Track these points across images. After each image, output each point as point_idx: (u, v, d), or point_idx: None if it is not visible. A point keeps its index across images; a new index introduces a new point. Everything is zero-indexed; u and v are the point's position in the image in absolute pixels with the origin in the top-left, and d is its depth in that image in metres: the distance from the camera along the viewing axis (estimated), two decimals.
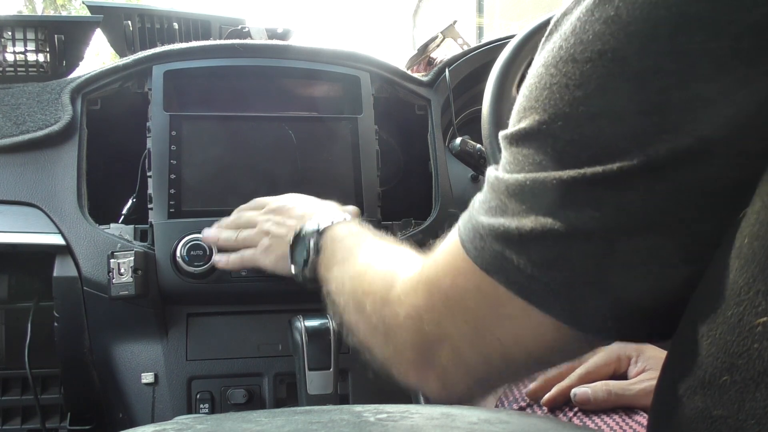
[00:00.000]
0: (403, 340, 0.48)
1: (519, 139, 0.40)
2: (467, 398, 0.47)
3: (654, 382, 0.66)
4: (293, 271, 0.78)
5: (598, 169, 0.35)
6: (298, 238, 0.76)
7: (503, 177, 0.41)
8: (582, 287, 0.37)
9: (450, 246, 0.46)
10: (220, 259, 0.95)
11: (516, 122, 0.41)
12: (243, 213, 0.94)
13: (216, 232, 0.96)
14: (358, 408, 0.31)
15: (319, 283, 0.70)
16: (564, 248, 0.37)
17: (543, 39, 0.41)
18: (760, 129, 0.31)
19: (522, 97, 0.41)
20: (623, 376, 0.70)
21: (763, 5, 0.30)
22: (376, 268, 0.57)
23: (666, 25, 0.32)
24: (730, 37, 0.31)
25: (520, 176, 0.39)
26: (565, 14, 0.38)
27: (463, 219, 0.45)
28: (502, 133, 0.42)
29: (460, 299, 0.44)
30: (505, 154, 0.41)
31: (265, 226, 0.87)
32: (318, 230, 0.73)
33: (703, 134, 0.32)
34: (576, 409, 0.67)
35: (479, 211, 0.43)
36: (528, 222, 0.38)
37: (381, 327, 0.52)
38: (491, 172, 0.43)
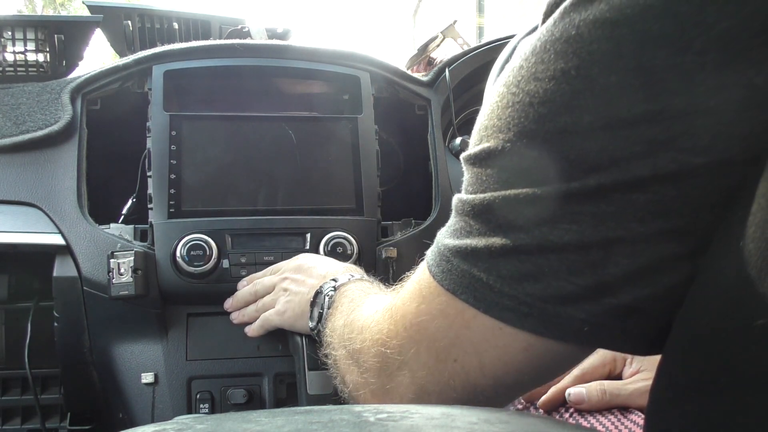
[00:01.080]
0: (368, 365, 0.49)
1: (483, 158, 0.39)
2: None
3: (649, 383, 0.66)
4: (310, 326, 0.79)
5: (574, 184, 0.34)
6: (318, 295, 0.77)
7: (467, 198, 0.41)
8: (557, 297, 0.37)
9: (417, 274, 0.46)
10: (246, 331, 0.99)
11: (477, 142, 0.40)
12: (259, 281, 0.96)
13: (239, 310, 0.99)
14: (358, 408, 0.31)
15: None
16: (538, 262, 0.37)
17: (500, 65, 0.42)
18: (742, 137, 0.31)
19: (483, 117, 0.40)
20: (618, 377, 0.70)
21: (725, 20, 0.30)
22: (364, 311, 0.58)
23: (629, 43, 0.32)
24: (695, 52, 0.31)
25: (487, 195, 0.39)
26: (523, 38, 0.39)
27: (431, 248, 0.45)
28: (464, 155, 0.42)
29: (422, 325, 0.44)
30: (468, 176, 0.41)
31: (283, 284, 0.89)
32: (335, 286, 0.74)
33: (679, 146, 0.32)
34: (572, 409, 0.67)
35: (444, 236, 0.43)
36: (497, 240, 0.38)
37: (353, 354, 0.53)
38: (455, 197, 0.43)
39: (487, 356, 0.41)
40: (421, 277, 0.45)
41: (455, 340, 0.42)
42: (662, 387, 0.36)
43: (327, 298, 0.73)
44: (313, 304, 0.78)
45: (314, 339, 0.91)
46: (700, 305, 0.32)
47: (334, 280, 0.75)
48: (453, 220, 0.42)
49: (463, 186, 0.42)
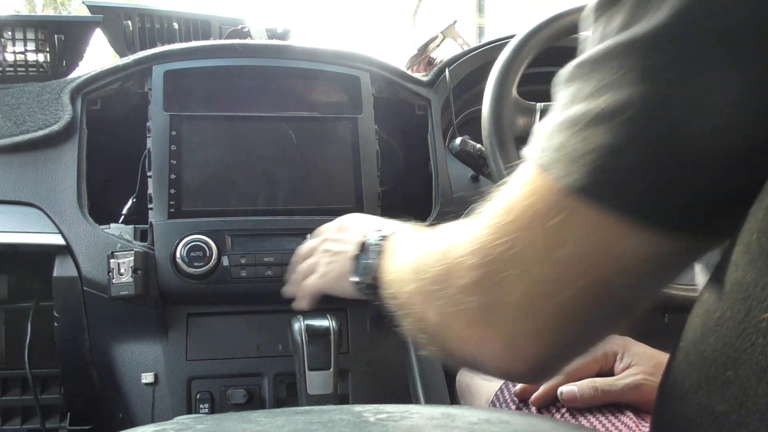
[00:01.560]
0: (462, 283, 0.42)
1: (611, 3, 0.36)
2: (537, 369, 0.41)
3: (639, 377, 0.67)
4: (355, 280, 0.70)
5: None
6: (362, 249, 0.70)
7: (595, 50, 0.36)
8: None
9: (519, 177, 0.41)
10: (293, 306, 0.87)
11: None
12: (300, 247, 0.88)
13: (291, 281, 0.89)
14: (358, 408, 0.31)
15: (381, 291, 0.64)
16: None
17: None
18: None
19: None
20: (610, 373, 0.70)
21: None
22: (439, 240, 0.49)
23: None
24: None
25: (633, 30, 0.34)
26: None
27: (532, 144, 0.40)
28: (593, 5, 0.38)
29: (530, 212, 0.38)
30: (593, 31, 0.38)
31: (324, 246, 0.81)
32: (382, 236, 0.66)
33: None
34: (563, 408, 0.67)
35: (553, 118, 0.38)
36: (605, 99, 0.34)
37: (436, 280, 0.45)
38: (565, 70, 0.39)
39: (606, 245, 0.36)
40: (525, 178, 0.40)
41: (567, 227, 0.37)
42: (671, 382, 0.36)
43: (374, 247, 0.65)
44: (356, 258, 0.70)
45: (314, 339, 0.92)
46: (712, 299, 0.32)
47: (378, 230, 0.68)
48: (564, 94, 0.38)
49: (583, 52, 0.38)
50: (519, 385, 0.70)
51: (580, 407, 0.66)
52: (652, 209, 0.34)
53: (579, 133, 0.35)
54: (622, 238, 0.35)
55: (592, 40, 0.37)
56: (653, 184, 0.34)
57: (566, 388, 0.66)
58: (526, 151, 0.40)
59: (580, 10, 0.99)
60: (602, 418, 0.64)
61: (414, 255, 0.53)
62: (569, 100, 0.37)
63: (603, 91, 0.35)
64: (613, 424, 0.63)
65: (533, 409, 0.68)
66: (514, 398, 0.71)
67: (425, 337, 0.48)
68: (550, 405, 0.68)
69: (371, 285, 0.65)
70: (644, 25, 0.33)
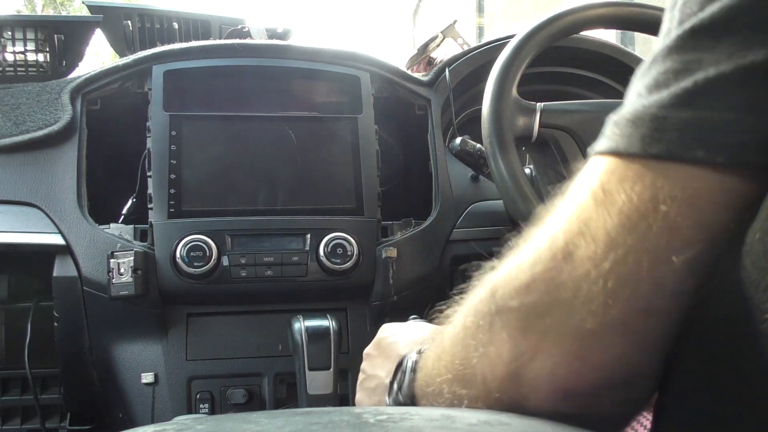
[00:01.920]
0: (503, 335, 0.36)
1: None
2: (616, 378, 0.34)
3: None
4: (387, 402, 0.59)
5: None
6: (397, 371, 0.58)
7: (687, 26, 0.32)
8: None
9: (579, 187, 0.35)
10: None
11: None
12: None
13: None
14: (358, 409, 0.31)
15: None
16: None
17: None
18: None
19: None
20: None
21: None
22: (473, 303, 0.42)
23: None
24: None
25: (725, 3, 0.31)
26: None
27: (605, 133, 0.35)
28: None
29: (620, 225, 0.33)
30: (680, 3, 0.33)
31: (362, 366, 0.71)
32: (419, 351, 0.54)
33: None
34: None
35: (636, 101, 0.33)
36: (753, 57, 0.30)
37: (483, 321, 0.38)
38: (656, 48, 0.34)
39: (723, 214, 0.32)
40: (582, 184, 0.35)
41: (671, 212, 0.32)
42: (673, 382, 0.36)
43: (410, 362, 0.54)
44: (391, 383, 0.58)
45: (314, 339, 0.92)
46: (715, 299, 0.32)
47: (420, 346, 0.56)
48: (637, 87, 0.34)
49: (662, 32, 0.34)
50: None
51: None
52: None
53: (725, 102, 0.30)
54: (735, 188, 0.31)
55: (696, 7, 0.32)
56: None
57: None
58: (597, 147, 0.35)
59: (580, 10, 0.99)
60: None
61: (458, 315, 0.44)
62: (677, 71, 0.32)
63: (749, 49, 0.30)
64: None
65: None
66: None
67: (465, 386, 0.40)
68: None
69: (400, 404, 0.54)
70: None
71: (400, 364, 0.57)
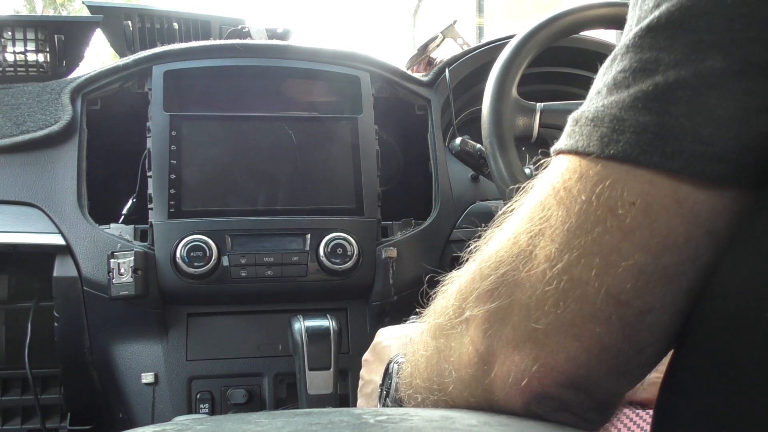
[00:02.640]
0: (475, 297, 0.36)
1: None
2: (578, 379, 0.34)
3: (652, 375, 0.66)
4: (379, 406, 0.59)
5: None
6: (385, 375, 0.59)
7: (644, 24, 0.32)
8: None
9: (537, 187, 0.36)
10: None
11: None
12: None
13: None
14: (358, 410, 0.31)
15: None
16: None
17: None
18: None
19: None
20: None
21: None
22: (441, 301, 0.43)
23: None
24: None
25: (683, 2, 0.30)
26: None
27: (566, 131, 0.35)
28: None
29: (572, 226, 0.33)
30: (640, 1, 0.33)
31: (360, 372, 0.72)
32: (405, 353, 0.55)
33: None
34: None
35: (594, 101, 0.33)
36: (710, 62, 0.29)
37: (448, 321, 0.39)
38: (618, 45, 0.33)
39: (681, 222, 0.31)
40: (544, 181, 0.35)
41: (627, 215, 0.32)
42: (674, 381, 0.36)
43: (395, 366, 0.55)
44: (381, 386, 0.60)
45: (314, 339, 0.92)
46: (716, 298, 0.32)
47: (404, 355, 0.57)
48: (598, 85, 0.34)
49: (625, 28, 0.34)
50: None
51: None
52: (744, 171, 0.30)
53: (682, 108, 0.30)
54: (719, 210, 0.31)
55: (653, 4, 0.32)
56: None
57: None
58: (557, 146, 0.35)
59: (580, 10, 0.99)
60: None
61: (426, 325, 0.45)
62: (636, 71, 0.32)
63: (705, 53, 0.30)
64: (620, 421, 0.63)
65: None
66: None
67: (444, 405, 0.40)
68: None
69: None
70: None
71: (387, 368, 0.58)
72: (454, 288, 0.40)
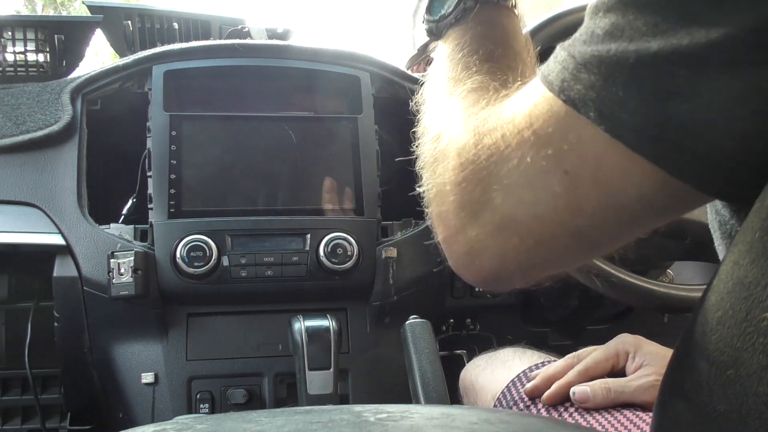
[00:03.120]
0: (450, 167, 0.45)
1: None
2: (489, 281, 0.42)
3: (652, 378, 0.66)
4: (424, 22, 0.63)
5: None
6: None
7: None
8: (704, 125, 0.32)
9: (524, 94, 0.41)
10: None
11: None
12: None
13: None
14: (358, 408, 0.31)
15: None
16: (692, 77, 0.31)
17: None
18: None
19: None
20: (622, 372, 0.70)
21: None
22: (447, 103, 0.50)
23: None
24: None
25: None
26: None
27: (549, 61, 0.39)
28: None
29: (531, 132, 0.38)
30: None
31: None
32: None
33: None
34: (572, 408, 0.67)
35: (573, 44, 0.37)
36: (653, 44, 0.32)
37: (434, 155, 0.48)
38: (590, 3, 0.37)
39: (603, 176, 0.36)
40: (530, 94, 0.40)
41: (568, 152, 0.36)
42: (673, 381, 0.36)
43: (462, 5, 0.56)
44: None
45: (314, 339, 0.92)
46: (715, 298, 0.32)
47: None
48: (585, 27, 0.37)
49: None
50: (529, 384, 0.70)
51: (592, 408, 0.66)
52: (695, 168, 0.33)
53: (621, 78, 0.34)
54: (632, 177, 0.35)
55: None
56: (713, 146, 0.32)
57: (579, 389, 0.66)
58: (544, 69, 0.39)
59: (580, 10, 0.99)
60: (609, 417, 0.64)
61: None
62: (607, 33, 0.35)
63: (668, 29, 0.33)
64: (620, 422, 0.63)
65: (541, 408, 0.68)
66: (523, 396, 0.70)
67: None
68: (559, 404, 0.68)
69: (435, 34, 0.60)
70: None
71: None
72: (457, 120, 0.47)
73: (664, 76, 0.32)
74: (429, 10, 0.62)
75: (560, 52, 0.38)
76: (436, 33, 0.59)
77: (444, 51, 0.57)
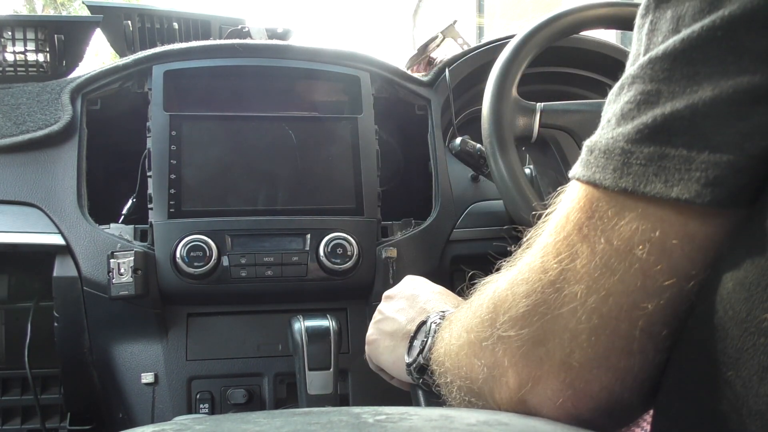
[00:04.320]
0: (509, 317, 0.39)
1: None
2: (609, 407, 0.37)
3: None
4: (407, 361, 0.62)
5: None
6: (422, 326, 0.61)
7: (648, 56, 0.33)
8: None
9: (558, 216, 0.37)
10: None
11: None
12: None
13: None
14: (357, 410, 0.31)
15: (429, 371, 0.57)
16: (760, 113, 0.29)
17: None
18: None
19: None
20: None
21: None
22: (482, 296, 0.45)
23: None
24: None
25: (683, 35, 0.31)
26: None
27: (579, 162, 0.37)
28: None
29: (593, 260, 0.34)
30: (647, 29, 0.34)
31: (380, 306, 0.73)
32: (443, 315, 0.59)
33: None
34: None
35: (605, 132, 0.35)
36: (702, 93, 0.30)
37: (485, 331, 0.41)
38: (626, 72, 0.35)
39: (688, 255, 0.32)
40: (568, 209, 0.36)
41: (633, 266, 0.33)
42: (673, 381, 0.36)
43: (433, 326, 0.57)
44: (413, 338, 0.61)
45: (314, 339, 0.92)
46: (716, 299, 0.32)
47: (443, 310, 0.60)
48: (617, 105, 0.34)
49: (631, 54, 0.35)
50: None
51: None
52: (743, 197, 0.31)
53: (677, 136, 0.31)
54: (705, 229, 0.32)
55: (660, 38, 0.33)
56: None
57: None
58: (580, 175, 0.36)
59: (580, 10, 0.99)
60: None
61: (463, 315, 0.48)
62: (640, 105, 0.33)
63: (699, 84, 0.31)
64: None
65: None
66: None
67: (475, 397, 0.44)
68: None
69: (422, 367, 0.58)
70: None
71: (423, 323, 0.60)
72: (489, 294, 0.43)
73: (731, 118, 0.30)
74: (410, 350, 0.62)
75: (589, 150, 0.36)
76: (423, 366, 0.57)
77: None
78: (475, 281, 0.48)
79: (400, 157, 1.30)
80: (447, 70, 1.20)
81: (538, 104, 0.98)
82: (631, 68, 0.34)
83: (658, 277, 0.33)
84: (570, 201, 0.37)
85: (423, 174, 1.20)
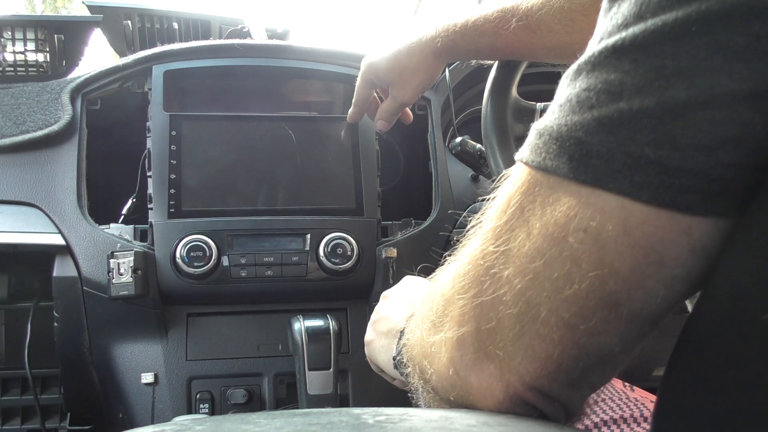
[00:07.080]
0: (458, 309, 0.38)
1: None
2: (545, 394, 0.35)
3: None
4: (393, 355, 0.63)
5: None
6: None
7: (609, 42, 0.31)
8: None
9: (502, 196, 0.36)
10: None
11: None
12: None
13: None
14: (357, 410, 0.31)
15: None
16: (746, 117, 0.28)
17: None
18: None
19: None
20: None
21: None
22: (436, 285, 0.44)
23: None
24: None
25: (650, 25, 0.29)
26: None
27: (528, 143, 0.35)
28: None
29: (533, 251, 0.33)
30: (612, 12, 0.32)
31: (377, 306, 0.73)
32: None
33: None
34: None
35: (557, 117, 0.33)
36: (674, 91, 0.29)
37: (436, 320, 0.41)
38: (576, 63, 0.33)
39: (649, 267, 0.31)
40: (511, 193, 0.35)
41: (598, 255, 0.31)
42: (672, 382, 0.36)
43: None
44: (400, 334, 0.61)
45: (314, 339, 0.92)
46: (715, 299, 0.32)
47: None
48: (572, 90, 0.32)
49: (594, 36, 0.32)
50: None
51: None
52: (710, 200, 0.30)
53: (643, 134, 0.29)
54: (652, 227, 0.31)
55: (621, 21, 0.31)
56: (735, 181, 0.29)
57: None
58: (523, 156, 0.36)
59: None
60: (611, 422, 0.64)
61: (419, 310, 0.47)
62: (600, 94, 0.31)
63: (668, 80, 0.29)
64: (620, 426, 0.63)
65: None
66: None
67: (432, 393, 0.43)
68: None
69: (400, 363, 0.56)
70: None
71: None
72: (439, 290, 0.42)
73: (704, 122, 0.29)
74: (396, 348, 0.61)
75: (538, 134, 0.35)
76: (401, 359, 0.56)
77: None
78: None
79: (400, 157, 1.30)
80: (447, 70, 1.20)
81: (538, 104, 0.98)
82: (591, 52, 0.32)
83: (584, 266, 0.32)
84: (513, 185, 0.36)
85: (423, 174, 1.20)
